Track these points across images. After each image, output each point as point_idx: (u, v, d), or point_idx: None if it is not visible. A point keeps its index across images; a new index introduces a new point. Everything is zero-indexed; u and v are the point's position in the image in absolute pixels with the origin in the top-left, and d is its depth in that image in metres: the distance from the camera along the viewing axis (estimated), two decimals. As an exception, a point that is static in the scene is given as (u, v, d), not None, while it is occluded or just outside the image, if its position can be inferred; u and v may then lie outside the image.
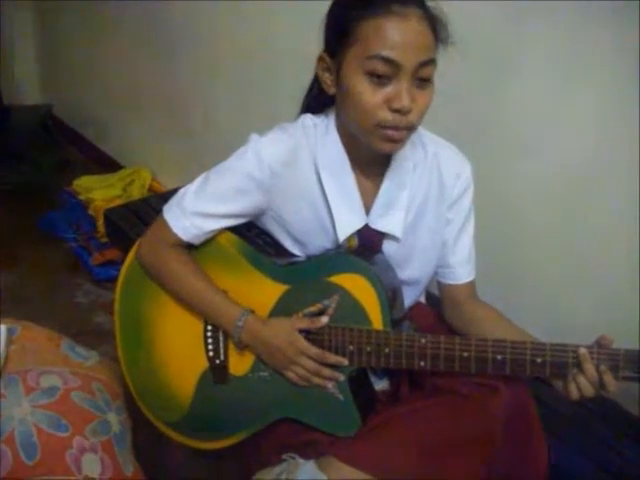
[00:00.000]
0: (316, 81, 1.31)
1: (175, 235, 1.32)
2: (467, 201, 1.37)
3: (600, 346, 1.13)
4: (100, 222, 2.75)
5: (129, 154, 3.47)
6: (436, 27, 1.15)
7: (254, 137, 1.29)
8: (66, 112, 4.02)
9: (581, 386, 1.12)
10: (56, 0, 3.67)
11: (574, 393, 1.14)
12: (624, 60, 1.44)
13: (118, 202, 2.85)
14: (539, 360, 1.14)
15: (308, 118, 1.31)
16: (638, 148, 1.46)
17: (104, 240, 2.74)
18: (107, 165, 3.51)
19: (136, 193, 3.02)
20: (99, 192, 2.98)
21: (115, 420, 1.36)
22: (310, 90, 1.36)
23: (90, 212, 2.92)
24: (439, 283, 1.45)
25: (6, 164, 3.41)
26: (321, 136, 1.28)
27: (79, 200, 3.02)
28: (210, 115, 2.79)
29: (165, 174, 3.18)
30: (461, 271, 1.41)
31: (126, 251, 1.47)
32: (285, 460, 1.30)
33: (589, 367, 1.11)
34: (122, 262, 1.48)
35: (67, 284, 2.73)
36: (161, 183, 3.17)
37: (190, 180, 1.35)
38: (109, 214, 2.41)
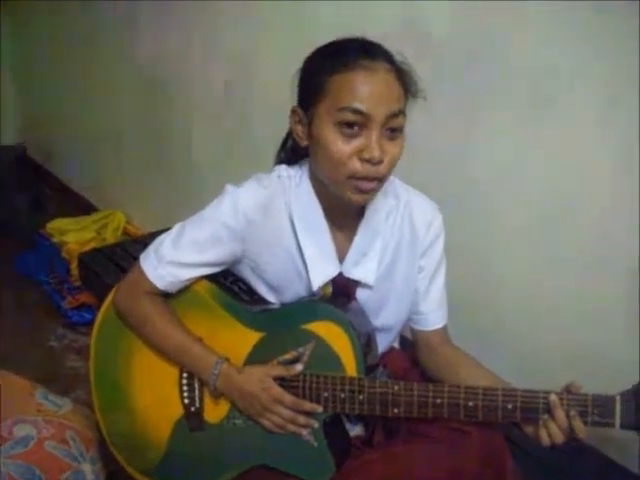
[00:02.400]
0: (290, 133, 1.34)
1: (151, 283, 1.33)
2: (438, 249, 1.40)
3: (569, 392, 1.15)
4: (73, 265, 2.74)
5: (103, 196, 3.47)
6: (405, 80, 1.20)
7: (230, 187, 1.31)
8: (39, 153, 4.02)
9: (551, 432, 1.14)
10: (30, 37, 3.70)
11: (545, 439, 1.16)
12: (588, 102, 1.51)
13: (92, 245, 2.86)
14: (510, 406, 1.16)
15: (283, 169, 1.34)
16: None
17: (77, 283, 2.73)
18: (81, 207, 3.51)
19: (110, 236, 3.02)
20: (72, 235, 2.98)
21: (89, 469, 1.36)
22: (284, 142, 1.39)
23: (63, 255, 2.92)
24: (412, 329, 1.47)
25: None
26: (295, 187, 1.31)
27: (52, 243, 3.01)
28: (185, 158, 2.80)
29: (139, 216, 3.18)
30: (433, 317, 1.43)
31: (100, 295, 1.48)
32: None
33: (559, 413, 1.13)
34: (96, 306, 1.48)
35: (40, 327, 2.70)
36: (135, 226, 3.17)
37: (164, 223, 1.36)
38: (84, 258, 2.41)
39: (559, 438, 1.14)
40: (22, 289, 2.93)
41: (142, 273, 1.34)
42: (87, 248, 2.77)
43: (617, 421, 1.11)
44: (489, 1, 1.59)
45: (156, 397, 1.41)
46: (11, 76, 4.08)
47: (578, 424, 1.12)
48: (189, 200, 2.63)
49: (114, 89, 3.15)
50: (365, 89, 1.13)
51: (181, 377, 1.38)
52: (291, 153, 1.36)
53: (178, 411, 1.38)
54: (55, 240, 3.02)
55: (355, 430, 1.40)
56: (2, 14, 3.84)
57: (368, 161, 1.15)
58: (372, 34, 1.21)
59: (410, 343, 1.52)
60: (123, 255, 2.36)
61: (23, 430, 1.32)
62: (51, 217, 3.19)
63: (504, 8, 1.57)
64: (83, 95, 3.43)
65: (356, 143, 1.15)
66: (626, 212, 1.48)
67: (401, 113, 1.18)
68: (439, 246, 1.40)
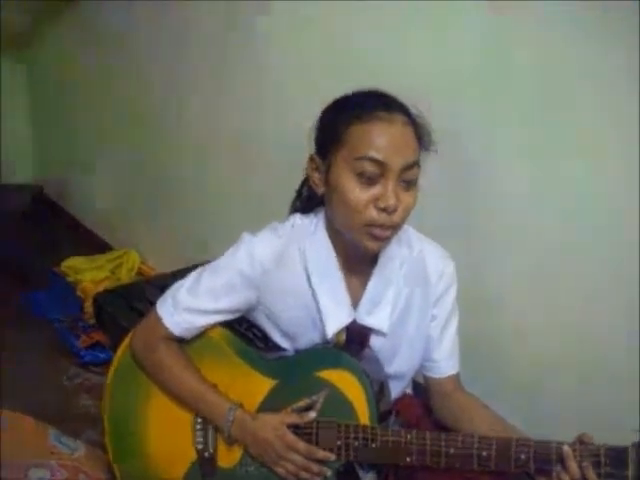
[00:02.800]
0: (305, 182, 1.37)
1: (167, 329, 1.36)
2: (451, 298, 1.42)
3: (582, 442, 1.15)
4: (88, 303, 2.75)
5: (118, 235, 3.50)
6: (420, 132, 1.23)
7: (246, 236, 1.34)
8: (55, 191, 4.07)
9: None
10: (46, 77, 3.77)
11: None
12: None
13: (106, 284, 2.87)
14: (524, 456, 1.16)
15: (297, 218, 1.37)
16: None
17: (91, 322, 2.74)
18: (95, 246, 3.54)
19: (124, 276, 3.04)
20: (88, 274, 3.00)
21: (102, 515, 1.36)
22: (300, 190, 1.42)
23: (78, 293, 2.94)
24: (425, 376, 1.48)
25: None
26: (310, 235, 1.33)
27: (67, 281, 3.04)
28: (199, 198, 2.83)
29: (154, 256, 3.21)
30: (445, 364, 1.44)
31: (114, 336, 1.50)
32: None
33: (572, 465, 1.12)
34: (109, 346, 1.49)
35: (53, 367, 2.70)
36: (150, 265, 3.20)
37: (178, 263, 1.38)
38: (99, 299, 2.43)
39: None
40: (36, 328, 2.94)
41: (159, 319, 1.36)
42: (102, 287, 2.78)
43: (630, 473, 1.10)
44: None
45: (170, 442, 1.42)
46: (27, 115, 4.16)
47: (591, 475, 1.12)
48: (203, 241, 2.66)
49: (129, 129, 3.20)
50: (383, 139, 1.16)
51: (195, 422, 1.39)
52: (306, 201, 1.39)
53: (192, 456, 1.39)
54: (70, 279, 3.04)
55: (368, 478, 1.40)
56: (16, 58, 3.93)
57: (384, 210, 1.18)
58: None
59: (423, 389, 1.52)
60: (137, 296, 2.37)
61: (37, 474, 1.33)
62: (66, 256, 3.21)
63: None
64: (98, 133, 3.48)
65: (373, 191, 1.18)
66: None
67: (416, 164, 1.21)
68: (451, 295, 1.42)
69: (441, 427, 1.42)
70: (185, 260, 2.18)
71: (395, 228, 1.23)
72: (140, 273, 3.12)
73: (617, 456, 1.11)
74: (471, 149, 1.71)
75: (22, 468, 1.33)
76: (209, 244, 1.31)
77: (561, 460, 1.14)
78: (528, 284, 1.70)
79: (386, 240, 1.24)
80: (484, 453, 1.18)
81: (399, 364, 1.40)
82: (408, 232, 1.39)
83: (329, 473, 1.28)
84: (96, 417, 2.20)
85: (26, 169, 4.21)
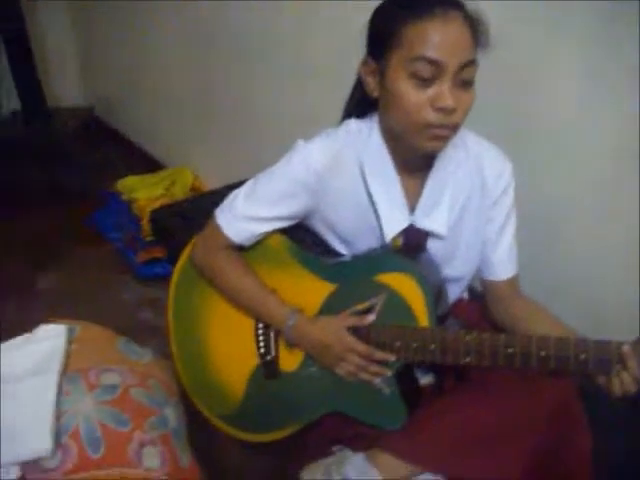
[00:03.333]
0: (358, 86, 1.35)
1: (227, 238, 1.38)
2: (508, 200, 1.40)
3: None
4: (144, 221, 2.81)
5: (171, 153, 3.54)
6: (476, 29, 1.19)
7: (300, 143, 1.34)
8: (107, 113, 4.10)
9: (624, 383, 1.14)
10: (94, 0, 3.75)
11: (617, 389, 1.15)
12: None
13: (161, 201, 2.91)
14: (583, 357, 1.15)
15: (352, 123, 1.35)
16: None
17: (149, 239, 2.80)
18: (149, 165, 3.58)
19: (179, 193, 3.07)
20: (142, 192, 3.04)
21: (172, 415, 1.41)
22: (352, 95, 1.39)
23: (134, 212, 2.99)
24: (482, 280, 1.48)
25: (50, 166, 3.50)
26: (365, 139, 1.32)
27: (123, 200, 3.09)
28: (249, 111, 2.82)
29: (206, 173, 3.24)
30: (503, 268, 1.44)
31: (172, 250, 1.53)
32: (332, 453, 1.34)
33: (632, 364, 1.12)
34: (167, 260, 1.52)
35: (113, 282, 2.79)
36: (203, 182, 3.22)
37: (230, 178, 1.39)
38: (155, 216, 2.47)
39: (631, 388, 1.14)
40: (95, 246, 3.02)
41: (217, 228, 1.39)
42: (157, 204, 2.83)
43: None
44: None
45: (233, 347, 1.47)
46: (74, 37, 4.15)
47: None
48: (253, 154, 2.66)
49: (179, 53, 3.17)
50: (439, 38, 1.13)
51: (257, 327, 1.43)
52: (360, 105, 1.36)
53: (254, 360, 1.43)
54: (125, 198, 3.09)
55: (426, 379, 1.43)
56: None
57: (442, 110, 1.16)
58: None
59: (480, 293, 1.53)
60: (192, 210, 2.41)
61: (109, 379, 1.38)
62: (120, 176, 3.26)
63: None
64: (145, 53, 3.47)
65: (430, 92, 1.16)
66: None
67: (473, 63, 1.17)
68: (509, 197, 1.40)
69: (498, 330, 1.43)
70: (238, 176, 2.20)
71: (454, 128, 1.20)
72: (194, 190, 3.15)
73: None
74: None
75: (94, 373, 1.38)
76: (261, 160, 1.31)
77: (621, 360, 1.13)
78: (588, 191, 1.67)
79: (445, 140, 1.22)
80: (542, 353, 1.17)
81: (457, 267, 1.40)
82: (464, 134, 1.36)
83: (389, 373, 1.30)
84: (157, 329, 2.28)
85: (75, 91, 4.23)
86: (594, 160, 1.62)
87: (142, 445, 1.31)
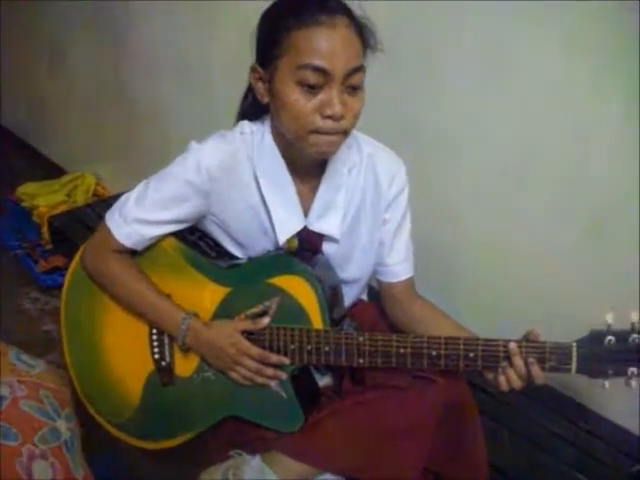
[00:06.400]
0: (250, 89, 1.34)
1: (117, 241, 1.34)
2: (403, 201, 1.41)
3: (528, 340, 1.18)
4: (44, 229, 2.74)
5: (73, 159, 3.44)
6: (364, 34, 1.19)
7: (193, 145, 1.32)
8: (7, 118, 3.97)
9: (510, 379, 1.18)
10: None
11: (503, 385, 1.19)
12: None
13: (62, 208, 2.84)
14: (472, 355, 1.19)
15: (245, 125, 1.34)
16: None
17: (49, 247, 2.72)
18: (50, 171, 3.47)
19: (80, 199, 3.01)
20: (43, 198, 2.96)
21: (65, 427, 1.37)
22: (245, 98, 1.38)
23: (34, 219, 2.90)
24: (378, 281, 1.49)
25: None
26: (258, 142, 1.31)
27: (23, 207, 3.00)
28: (152, 116, 2.79)
29: (110, 178, 3.17)
30: (399, 269, 1.45)
31: (71, 257, 1.48)
32: (232, 457, 1.33)
33: (518, 361, 1.16)
34: (67, 268, 1.49)
35: (13, 292, 2.70)
36: (105, 187, 3.15)
37: (134, 183, 1.37)
38: (53, 221, 2.40)
39: (517, 384, 1.18)
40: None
41: (108, 232, 1.35)
42: (58, 211, 2.76)
43: (573, 367, 1.14)
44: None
45: (127, 353, 1.44)
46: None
47: (536, 371, 1.16)
48: (157, 157, 2.62)
49: (82, 50, 3.11)
50: (325, 46, 1.13)
51: (151, 333, 1.40)
52: (252, 108, 1.36)
53: (149, 366, 1.41)
54: (26, 204, 3.00)
55: (324, 380, 1.44)
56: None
57: (330, 117, 1.16)
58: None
59: (377, 294, 1.54)
60: (93, 216, 2.36)
61: (-2, 391, 1.33)
62: (21, 182, 3.16)
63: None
64: (51, 58, 3.38)
65: (318, 99, 1.15)
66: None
67: (361, 68, 1.18)
68: (403, 199, 1.42)
69: (396, 331, 1.44)
70: (140, 180, 2.16)
71: (344, 134, 1.21)
72: (96, 195, 3.08)
73: (561, 352, 1.14)
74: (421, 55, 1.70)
75: (-19, 386, 1.32)
76: (166, 164, 1.29)
77: (507, 357, 1.17)
78: (484, 187, 1.72)
79: (335, 146, 1.22)
80: (433, 352, 1.21)
81: (353, 269, 1.42)
82: (357, 137, 1.37)
83: (284, 377, 1.30)
84: (58, 341, 2.21)
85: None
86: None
87: (32, 459, 1.27)
